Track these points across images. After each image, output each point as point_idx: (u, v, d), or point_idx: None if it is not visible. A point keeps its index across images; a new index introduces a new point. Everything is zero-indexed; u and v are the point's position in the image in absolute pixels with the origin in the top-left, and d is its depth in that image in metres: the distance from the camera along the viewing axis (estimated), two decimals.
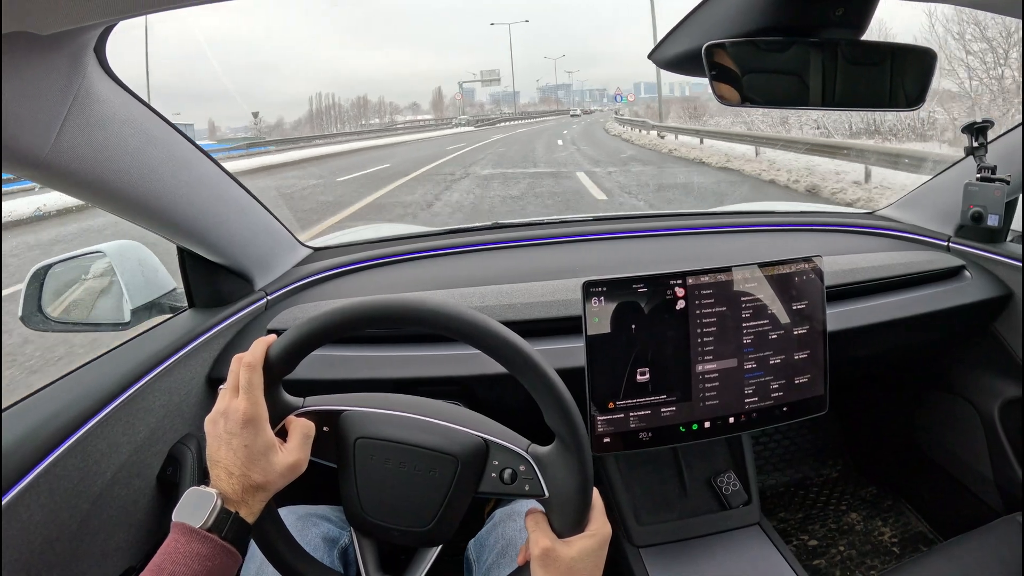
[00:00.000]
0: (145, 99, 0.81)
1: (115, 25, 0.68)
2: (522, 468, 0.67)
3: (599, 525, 0.66)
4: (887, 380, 1.62)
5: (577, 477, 0.64)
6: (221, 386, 0.67)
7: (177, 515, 0.61)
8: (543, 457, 0.67)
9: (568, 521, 0.65)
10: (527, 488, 0.67)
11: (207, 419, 0.66)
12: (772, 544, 1.12)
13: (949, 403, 1.45)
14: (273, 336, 0.68)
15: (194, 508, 0.61)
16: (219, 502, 0.62)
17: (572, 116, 68.03)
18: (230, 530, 0.61)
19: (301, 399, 0.71)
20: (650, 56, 0.84)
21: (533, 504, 0.72)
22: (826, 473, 1.79)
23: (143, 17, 0.68)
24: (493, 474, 0.68)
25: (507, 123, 53.07)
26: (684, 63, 0.82)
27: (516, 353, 0.64)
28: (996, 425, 1.33)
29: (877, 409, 1.68)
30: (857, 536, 1.58)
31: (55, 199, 9.82)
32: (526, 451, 0.68)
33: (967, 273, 1.31)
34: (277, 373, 0.67)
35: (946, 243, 1.38)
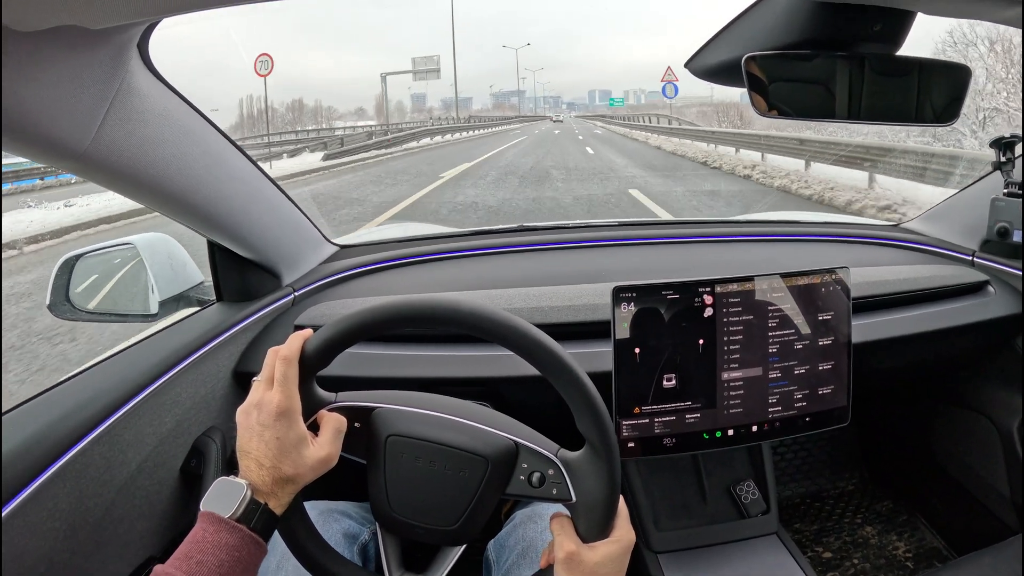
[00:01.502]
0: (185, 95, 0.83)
1: (159, 21, 0.69)
2: (551, 472, 0.68)
3: (624, 531, 0.67)
4: (906, 393, 1.61)
5: (605, 484, 0.65)
6: (255, 378, 0.68)
7: (205, 504, 0.62)
8: (572, 462, 0.67)
9: (594, 526, 0.65)
10: (554, 492, 0.67)
11: (239, 410, 0.67)
12: (789, 554, 1.12)
13: (968, 419, 1.44)
14: (309, 331, 0.69)
15: (223, 498, 0.62)
16: (249, 493, 0.62)
17: (555, 122, 57.24)
18: (258, 521, 0.62)
19: (333, 394, 0.72)
20: (687, 65, 0.85)
21: (557, 507, 0.72)
22: (842, 485, 1.78)
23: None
24: (521, 477, 0.69)
25: (438, 138, 27.96)
26: (720, 73, 0.83)
27: (551, 357, 0.64)
28: (1015, 443, 1.32)
29: (895, 422, 1.67)
30: (872, 550, 1.57)
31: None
32: (555, 455, 0.68)
33: (991, 288, 1.30)
34: (312, 367, 0.68)
35: (971, 258, 1.37)
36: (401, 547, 0.78)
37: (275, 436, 0.64)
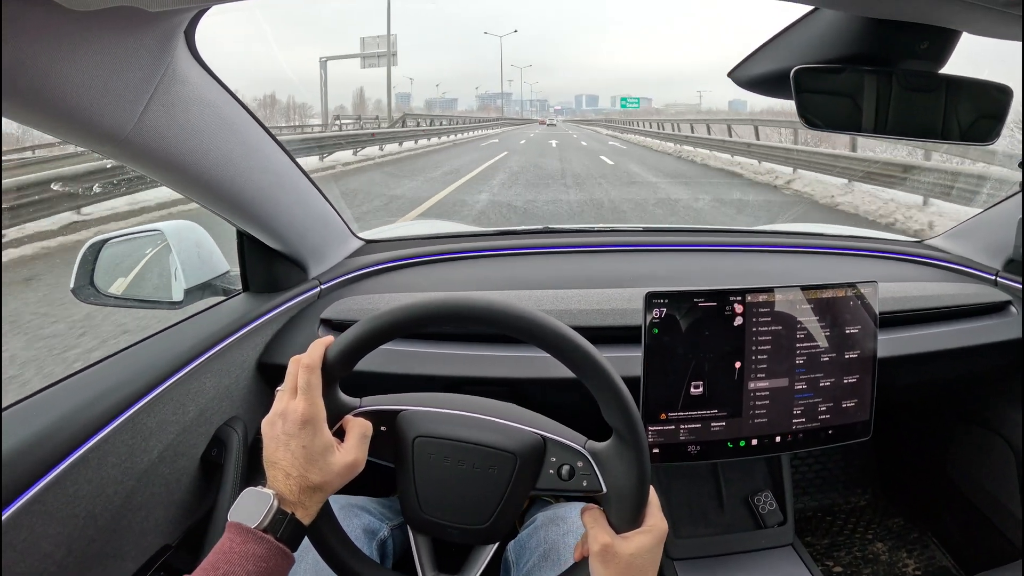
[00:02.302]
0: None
1: (208, 9, 0.69)
2: (579, 464, 0.68)
3: (656, 520, 0.67)
4: (923, 410, 1.61)
5: (635, 473, 0.65)
6: (279, 388, 0.68)
7: (232, 515, 0.62)
8: (600, 453, 0.67)
9: (626, 516, 0.65)
10: (585, 484, 0.67)
11: (264, 421, 0.67)
12: (804, 566, 1.12)
13: (984, 438, 1.44)
14: (331, 338, 0.69)
15: (250, 508, 0.62)
16: (275, 503, 0.62)
17: (548, 126, 50.46)
18: (285, 531, 0.62)
19: (358, 399, 0.72)
20: (730, 74, 0.85)
21: (578, 510, 0.72)
22: (854, 501, 1.77)
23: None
24: (551, 471, 0.69)
25: (310, 161, 10.91)
26: (764, 84, 0.83)
27: (574, 348, 0.64)
28: None
29: (910, 438, 1.67)
30: (881, 566, 1.56)
31: None
32: (583, 447, 0.68)
33: (1013, 308, 1.30)
34: (335, 374, 0.68)
35: (994, 277, 1.37)
36: (433, 548, 0.78)
37: (301, 445, 0.64)
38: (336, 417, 0.69)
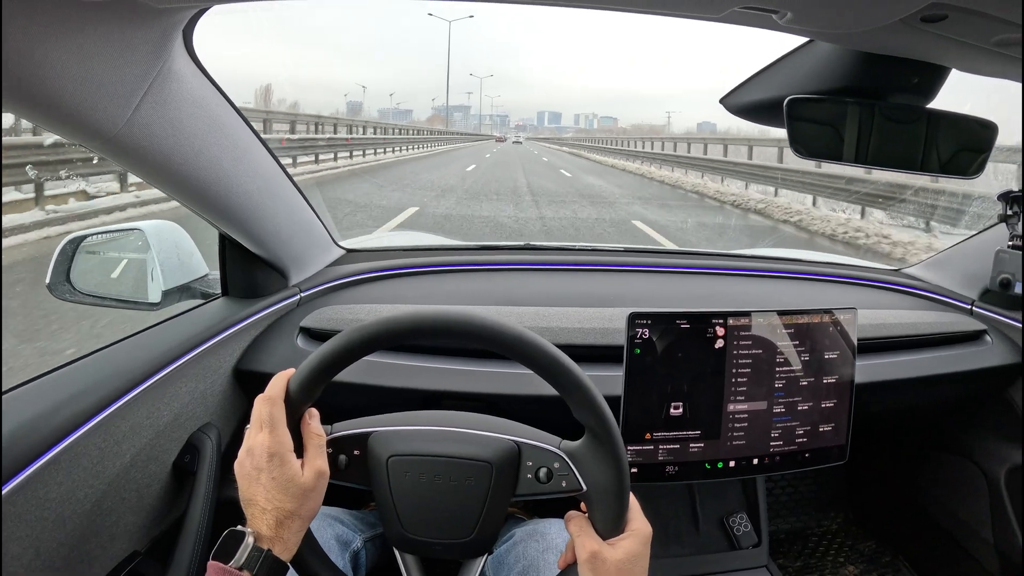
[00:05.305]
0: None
1: (208, 8, 0.68)
2: (556, 465, 0.68)
3: (639, 523, 0.67)
4: (897, 436, 1.63)
5: (612, 467, 0.65)
6: (247, 426, 0.68)
7: (213, 555, 0.62)
8: (575, 451, 0.68)
9: (610, 515, 0.65)
10: (564, 484, 0.68)
11: (236, 462, 0.67)
12: None
13: (957, 464, 1.46)
14: (292, 370, 0.68)
15: (228, 547, 0.62)
16: (251, 540, 0.62)
17: (513, 144, 44.28)
18: (262, 568, 0.62)
19: (328, 427, 0.72)
20: (722, 101, 0.86)
21: (558, 526, 0.71)
22: (827, 524, 1.79)
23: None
24: (528, 475, 0.69)
25: None
26: (754, 111, 0.85)
27: (527, 346, 0.64)
28: (1001, 490, 1.34)
29: (884, 464, 1.69)
30: None
31: None
32: (558, 447, 0.68)
33: (988, 338, 1.33)
34: (298, 404, 0.67)
35: (969, 306, 1.40)
36: (423, 567, 0.77)
37: (270, 477, 0.64)
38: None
